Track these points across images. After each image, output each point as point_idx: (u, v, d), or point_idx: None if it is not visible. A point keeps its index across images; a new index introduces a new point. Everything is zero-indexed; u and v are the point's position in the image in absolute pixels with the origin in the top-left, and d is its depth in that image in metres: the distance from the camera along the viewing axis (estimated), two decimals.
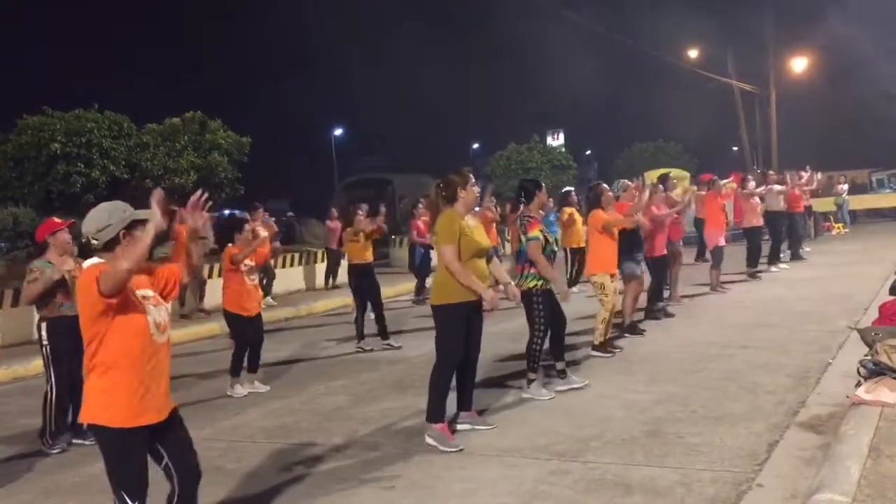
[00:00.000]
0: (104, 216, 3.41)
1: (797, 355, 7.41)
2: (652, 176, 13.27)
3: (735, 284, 12.51)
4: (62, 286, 5.99)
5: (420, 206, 13.98)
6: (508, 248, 16.21)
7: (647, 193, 8.99)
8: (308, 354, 9.64)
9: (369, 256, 9.86)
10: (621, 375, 7.14)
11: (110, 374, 3.30)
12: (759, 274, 13.34)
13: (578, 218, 12.34)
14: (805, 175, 15.72)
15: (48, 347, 6.06)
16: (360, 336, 9.52)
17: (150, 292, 3.46)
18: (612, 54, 39.65)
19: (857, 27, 27.94)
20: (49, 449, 6.03)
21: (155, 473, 3.46)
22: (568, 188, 14.42)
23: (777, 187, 14.25)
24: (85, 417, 3.38)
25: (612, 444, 5.24)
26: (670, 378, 6.90)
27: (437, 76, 48.55)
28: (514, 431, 5.69)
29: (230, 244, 7.73)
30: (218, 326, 11.03)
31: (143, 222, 3.42)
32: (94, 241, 3.39)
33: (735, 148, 43.13)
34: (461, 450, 5.30)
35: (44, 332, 6.07)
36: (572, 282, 13.45)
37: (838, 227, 23.06)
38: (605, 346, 8.02)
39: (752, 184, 13.83)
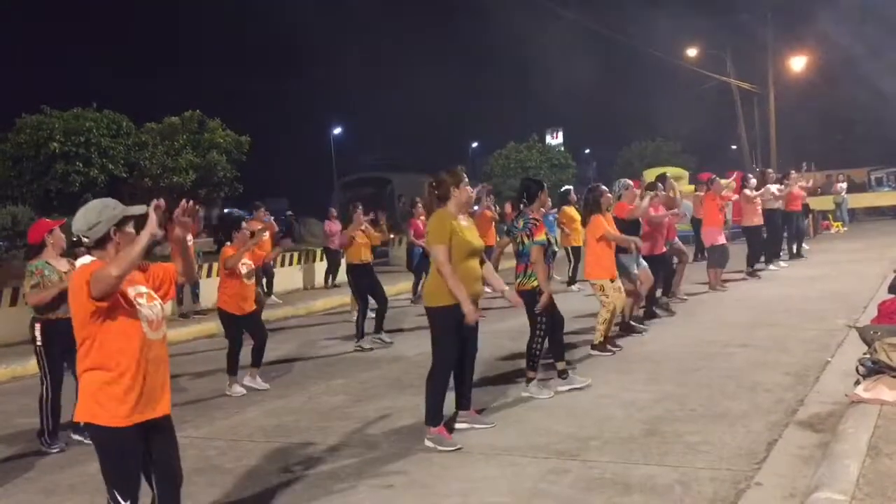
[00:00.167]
0: (94, 214, 3.39)
1: (796, 354, 7.41)
2: (650, 175, 13.27)
3: (735, 283, 12.51)
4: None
5: (419, 205, 13.97)
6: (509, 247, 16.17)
7: (647, 200, 8.99)
8: (307, 353, 9.63)
9: (369, 257, 9.85)
10: (621, 374, 7.13)
11: (104, 373, 3.29)
12: (759, 272, 13.35)
13: (577, 217, 12.33)
14: (793, 175, 15.56)
15: (42, 347, 6.03)
16: (360, 335, 9.51)
17: (143, 289, 3.44)
18: (612, 53, 39.77)
19: (857, 26, 27.96)
20: (48, 448, 6.03)
21: None
22: (567, 187, 14.43)
23: (774, 188, 14.22)
24: (80, 416, 3.37)
25: (612, 442, 5.24)
26: (669, 377, 6.90)
27: (436, 75, 48.69)
28: (513, 430, 5.69)
29: (228, 243, 7.72)
30: (215, 326, 11.00)
31: (134, 218, 3.40)
32: (86, 240, 3.38)
33: (734, 146, 43.11)
34: (460, 448, 5.30)
35: (37, 333, 6.03)
36: (572, 280, 13.48)
37: (837, 226, 23.04)
38: (605, 345, 8.02)
39: (753, 182, 13.82)
